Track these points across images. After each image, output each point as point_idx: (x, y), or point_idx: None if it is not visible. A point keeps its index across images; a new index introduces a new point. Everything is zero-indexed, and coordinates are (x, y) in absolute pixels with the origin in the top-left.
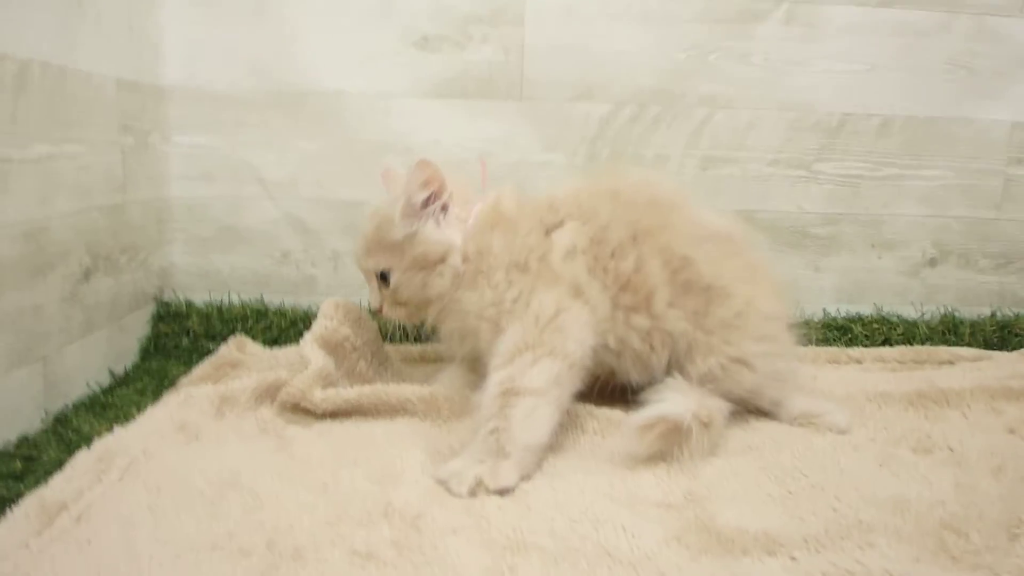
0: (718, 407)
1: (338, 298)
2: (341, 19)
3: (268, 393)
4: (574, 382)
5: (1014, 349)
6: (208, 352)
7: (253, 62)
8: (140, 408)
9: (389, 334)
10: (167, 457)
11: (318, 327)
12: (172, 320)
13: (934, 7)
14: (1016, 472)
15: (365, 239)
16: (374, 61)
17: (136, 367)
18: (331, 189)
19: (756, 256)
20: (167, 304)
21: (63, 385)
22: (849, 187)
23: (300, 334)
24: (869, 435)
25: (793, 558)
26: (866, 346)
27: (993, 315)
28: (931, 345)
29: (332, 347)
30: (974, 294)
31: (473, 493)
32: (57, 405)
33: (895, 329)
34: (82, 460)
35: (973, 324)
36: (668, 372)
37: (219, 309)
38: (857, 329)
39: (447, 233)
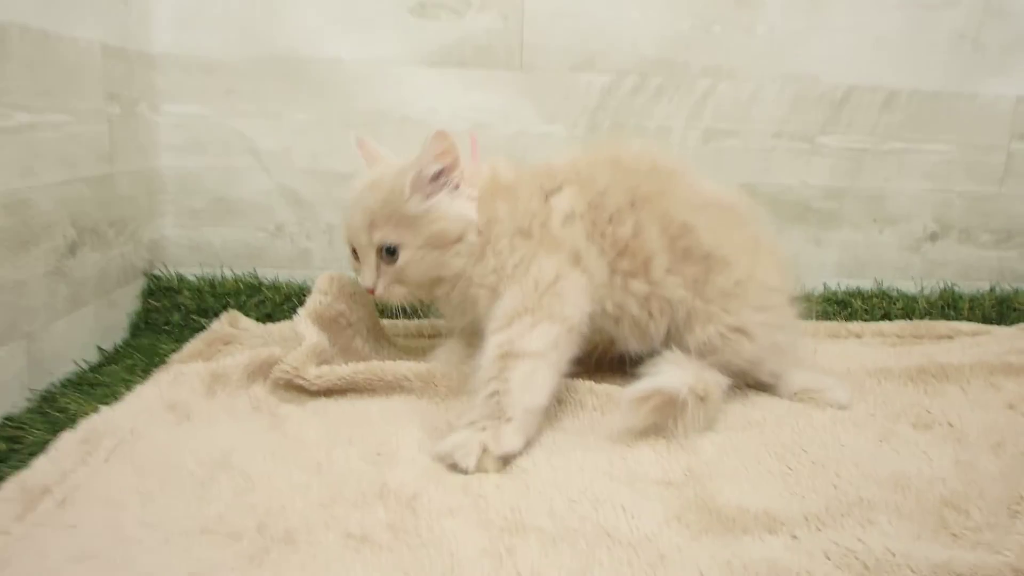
0: (716, 381)
1: (333, 272)
2: None
3: (261, 370)
4: (572, 347)
5: (1012, 324)
6: (200, 328)
7: (245, 28)
8: (129, 386)
9: (385, 309)
10: (156, 437)
11: (312, 302)
12: (163, 295)
13: None
14: (1016, 448)
15: (368, 211)
16: (370, 28)
17: (125, 344)
18: (326, 160)
19: (758, 228)
20: (157, 278)
21: (49, 363)
22: (852, 161)
23: (294, 309)
24: (869, 410)
25: (794, 536)
26: (866, 320)
27: (992, 290)
28: (930, 320)
29: (327, 323)
30: (974, 269)
31: (481, 464)
32: (43, 384)
33: (895, 303)
34: (67, 441)
35: (972, 299)
36: (667, 345)
37: (211, 283)
38: (857, 303)
39: (465, 209)
